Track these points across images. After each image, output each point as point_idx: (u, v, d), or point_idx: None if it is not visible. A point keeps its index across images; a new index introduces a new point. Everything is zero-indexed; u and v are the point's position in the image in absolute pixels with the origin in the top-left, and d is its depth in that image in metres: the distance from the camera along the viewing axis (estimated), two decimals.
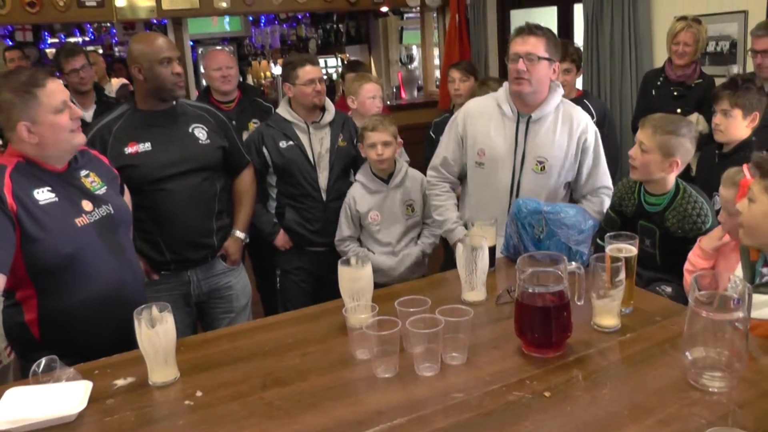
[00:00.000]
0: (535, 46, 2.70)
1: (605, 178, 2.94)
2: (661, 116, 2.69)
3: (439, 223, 3.07)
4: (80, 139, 2.20)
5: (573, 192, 2.97)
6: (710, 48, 4.41)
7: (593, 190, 2.92)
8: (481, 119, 2.89)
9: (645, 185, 2.67)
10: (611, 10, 5.09)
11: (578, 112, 2.90)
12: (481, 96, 3.13)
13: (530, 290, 1.73)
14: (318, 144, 3.44)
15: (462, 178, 3.06)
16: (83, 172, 2.26)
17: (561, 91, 2.88)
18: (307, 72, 3.35)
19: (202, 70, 8.95)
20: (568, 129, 2.83)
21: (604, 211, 2.84)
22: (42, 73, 2.12)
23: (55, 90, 2.10)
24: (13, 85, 2.05)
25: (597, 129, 2.93)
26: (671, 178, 2.60)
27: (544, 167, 2.80)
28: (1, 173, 2.04)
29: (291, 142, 3.40)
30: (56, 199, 2.11)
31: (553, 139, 2.81)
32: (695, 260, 2.29)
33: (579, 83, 4.40)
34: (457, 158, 2.99)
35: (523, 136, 2.81)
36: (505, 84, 2.89)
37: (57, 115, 2.09)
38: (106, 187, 2.30)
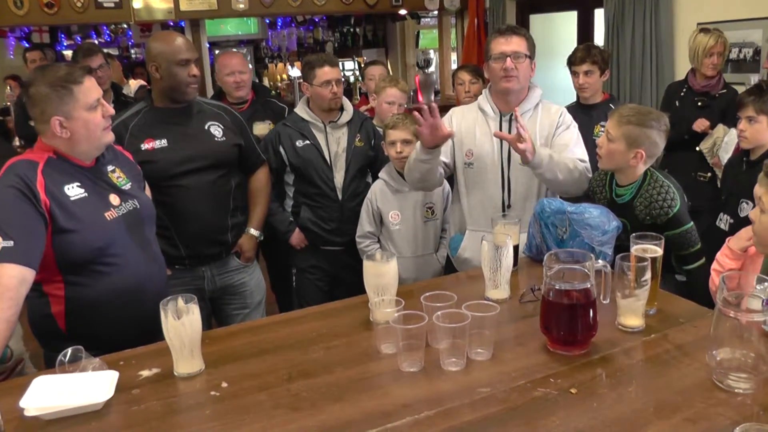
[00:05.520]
0: (520, 44, 2.79)
1: (581, 155, 2.83)
2: (632, 107, 2.70)
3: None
4: (110, 137, 2.24)
5: None
6: (733, 55, 4.39)
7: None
8: (465, 122, 2.94)
9: (615, 176, 2.68)
10: (633, 15, 5.08)
11: (556, 106, 2.96)
12: None
13: (557, 287, 1.73)
14: (335, 144, 3.45)
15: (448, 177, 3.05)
16: (110, 168, 2.30)
17: (540, 90, 2.94)
18: (325, 73, 3.37)
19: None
20: (548, 121, 2.87)
21: (578, 166, 2.73)
22: (79, 70, 2.15)
23: (90, 87, 2.14)
24: (49, 80, 2.08)
25: (573, 120, 2.94)
26: (639, 169, 2.60)
27: None
28: (34, 170, 2.07)
29: (307, 142, 3.42)
30: (86, 194, 2.15)
31: (535, 131, 2.84)
32: (723, 261, 2.28)
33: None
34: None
35: (507, 133, 2.83)
36: (485, 90, 2.97)
37: (90, 112, 2.13)
38: (131, 183, 2.34)
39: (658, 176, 2.59)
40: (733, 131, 3.72)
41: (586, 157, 2.84)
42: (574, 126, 2.90)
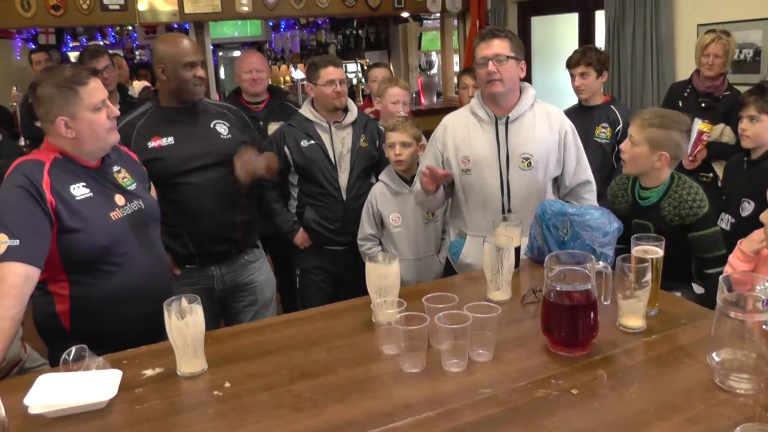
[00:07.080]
0: (501, 47, 2.77)
1: (588, 172, 2.96)
2: (653, 110, 2.74)
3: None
4: (115, 137, 2.26)
5: (559, 188, 2.98)
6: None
7: (579, 184, 2.94)
8: (460, 129, 2.93)
9: (640, 180, 2.72)
10: (633, 17, 5.08)
11: (552, 107, 2.96)
12: None
13: (558, 288, 1.74)
14: (339, 144, 3.47)
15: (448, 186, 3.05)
16: (115, 168, 2.32)
17: (533, 91, 2.92)
18: (328, 73, 3.40)
19: (221, 74, 9.07)
20: (547, 124, 2.87)
21: (588, 199, 2.89)
22: (85, 71, 2.17)
23: (95, 88, 2.16)
24: (55, 80, 2.10)
25: (572, 124, 2.96)
26: (665, 171, 2.64)
27: (530, 163, 2.83)
28: (40, 169, 2.09)
29: (312, 142, 3.43)
30: (91, 194, 2.17)
31: (533, 134, 2.84)
32: (735, 263, 2.28)
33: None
34: None
35: (504, 137, 2.84)
36: (477, 93, 2.95)
37: (95, 113, 2.15)
38: (136, 184, 2.36)
39: (686, 179, 2.64)
40: (697, 121, 3.75)
41: (591, 174, 2.93)
42: (575, 135, 2.92)
